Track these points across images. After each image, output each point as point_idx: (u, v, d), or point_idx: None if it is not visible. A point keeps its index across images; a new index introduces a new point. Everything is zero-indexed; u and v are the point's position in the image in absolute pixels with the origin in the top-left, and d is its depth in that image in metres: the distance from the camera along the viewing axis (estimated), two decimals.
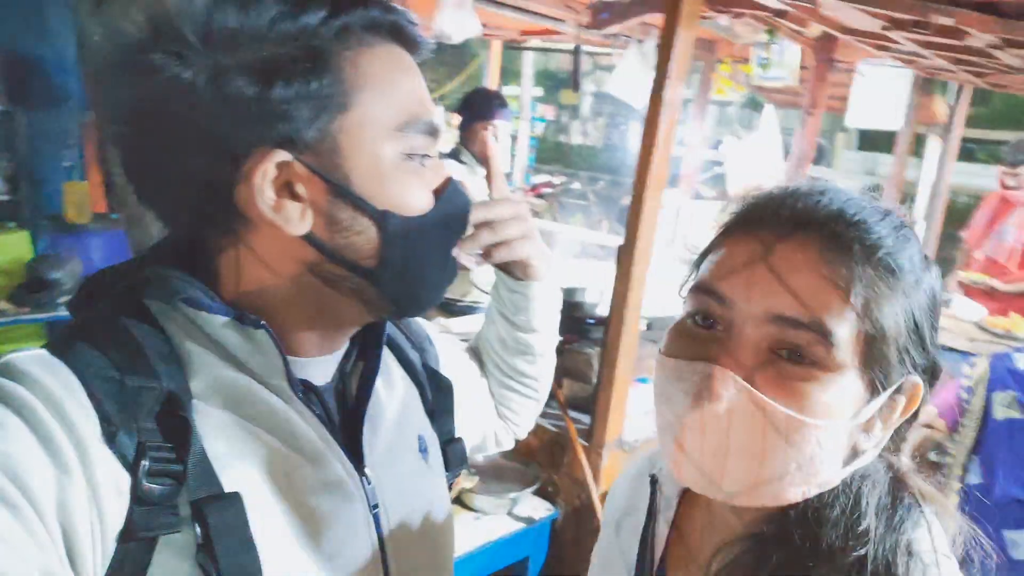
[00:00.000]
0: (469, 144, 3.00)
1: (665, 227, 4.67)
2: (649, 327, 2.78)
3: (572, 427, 2.31)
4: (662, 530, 0.76)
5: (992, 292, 3.79)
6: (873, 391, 0.60)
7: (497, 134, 2.97)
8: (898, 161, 4.43)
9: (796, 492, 0.61)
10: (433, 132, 0.69)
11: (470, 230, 0.79)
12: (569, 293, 2.67)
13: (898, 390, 0.62)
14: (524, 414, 1.05)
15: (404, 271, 0.68)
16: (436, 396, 0.87)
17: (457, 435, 0.90)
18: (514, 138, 7.00)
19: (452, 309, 2.67)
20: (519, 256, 0.86)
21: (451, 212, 0.72)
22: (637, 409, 2.49)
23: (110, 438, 0.56)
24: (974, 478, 2.28)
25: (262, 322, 0.64)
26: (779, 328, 0.58)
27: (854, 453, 0.63)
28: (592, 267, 3.35)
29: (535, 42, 4.96)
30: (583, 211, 7.51)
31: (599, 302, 2.62)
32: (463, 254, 0.84)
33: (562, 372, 2.51)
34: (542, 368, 1.01)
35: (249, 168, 0.62)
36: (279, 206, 0.63)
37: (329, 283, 0.66)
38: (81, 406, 0.56)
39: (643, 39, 3.62)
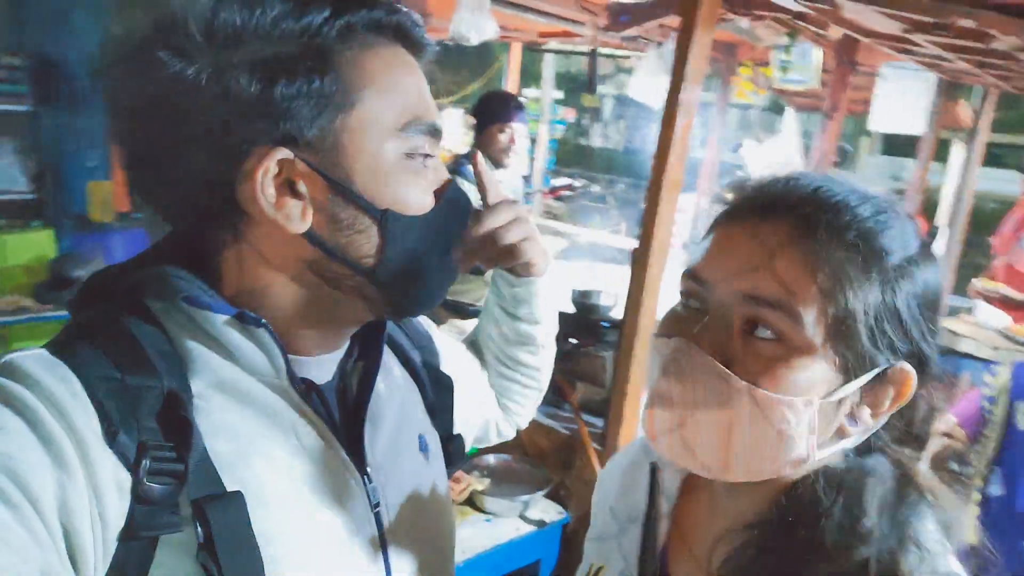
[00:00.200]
0: (486, 147, 2.99)
1: (683, 230, 4.65)
2: None
3: (585, 430, 2.30)
4: (663, 520, 0.76)
5: (1005, 300, 3.72)
6: (847, 373, 0.61)
7: (514, 136, 2.96)
8: (921, 166, 4.37)
9: (769, 467, 0.62)
10: (435, 133, 0.68)
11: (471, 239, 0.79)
12: (584, 296, 2.67)
13: (884, 377, 0.62)
14: (526, 404, 1.06)
15: (404, 271, 0.68)
16: (436, 394, 0.87)
17: (456, 432, 0.90)
18: (534, 140, 7.00)
19: (467, 312, 2.67)
20: (523, 259, 0.86)
21: (451, 213, 0.72)
22: None
23: (111, 438, 0.56)
24: (995, 489, 2.24)
25: (263, 320, 0.64)
26: (748, 306, 0.60)
27: (840, 437, 0.64)
28: (610, 270, 3.33)
29: (554, 44, 4.95)
30: (602, 214, 7.49)
31: (614, 305, 2.61)
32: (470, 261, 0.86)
33: (576, 375, 2.50)
34: (543, 358, 1.02)
35: (251, 165, 0.62)
36: (280, 203, 0.63)
37: (329, 281, 0.66)
38: (82, 406, 0.56)
39: (662, 41, 3.61)
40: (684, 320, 0.65)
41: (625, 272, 2.24)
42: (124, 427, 0.57)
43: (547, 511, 2.28)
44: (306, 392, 0.68)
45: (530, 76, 8.69)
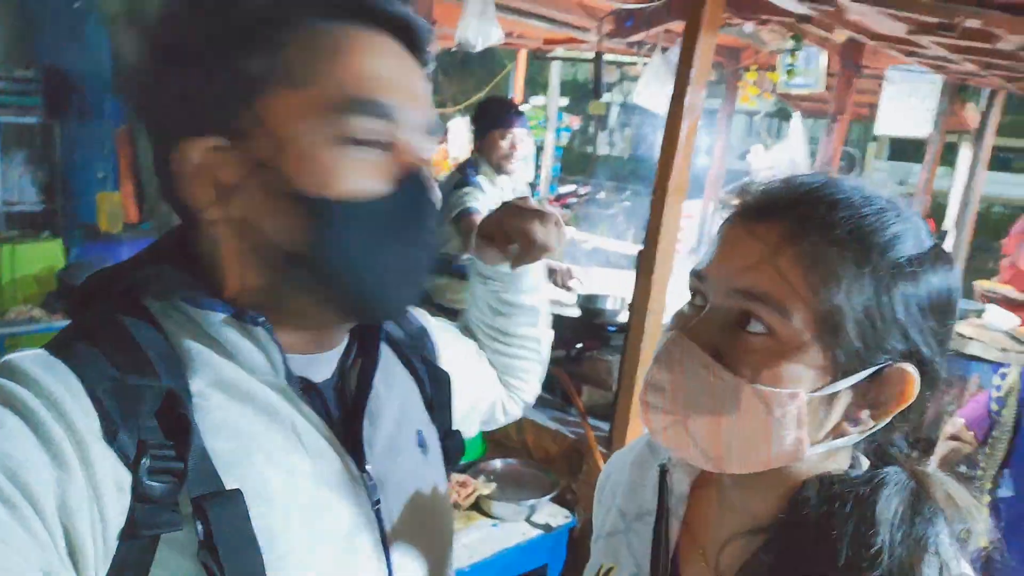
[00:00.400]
0: (486, 153, 2.98)
1: (690, 236, 4.65)
2: None
3: (591, 434, 2.30)
4: (675, 522, 0.76)
5: (1007, 301, 3.70)
6: (838, 370, 0.61)
7: (515, 142, 2.96)
8: (928, 169, 4.36)
9: (760, 458, 0.63)
10: (385, 115, 0.63)
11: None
12: (590, 301, 2.67)
13: (882, 378, 0.62)
14: (530, 379, 1.06)
15: (347, 264, 0.65)
16: (435, 390, 0.86)
17: (455, 427, 0.90)
18: (540, 148, 7.01)
19: None
20: (556, 260, 0.90)
21: (407, 204, 0.66)
22: None
23: (111, 437, 0.56)
24: (1006, 491, 2.22)
25: (261, 319, 0.64)
26: (740, 301, 0.62)
27: (838, 436, 0.64)
28: (615, 275, 3.33)
29: (560, 51, 4.97)
30: (608, 221, 7.50)
31: (620, 309, 2.61)
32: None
33: (582, 379, 2.50)
34: (543, 326, 1.03)
35: (179, 155, 0.62)
36: (207, 193, 0.63)
37: (281, 277, 0.65)
38: (81, 405, 0.56)
39: (667, 47, 3.61)
40: (687, 316, 0.67)
41: (631, 277, 2.25)
42: (124, 426, 0.57)
43: (554, 515, 2.27)
44: (305, 390, 0.68)
45: (536, 84, 8.73)
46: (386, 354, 0.81)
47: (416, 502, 0.76)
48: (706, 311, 0.65)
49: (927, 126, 3.63)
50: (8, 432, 0.53)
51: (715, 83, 4.35)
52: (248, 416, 0.64)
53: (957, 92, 3.81)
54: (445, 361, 0.91)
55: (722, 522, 0.72)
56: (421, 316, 0.93)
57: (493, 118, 2.95)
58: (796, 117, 4.60)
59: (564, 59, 6.31)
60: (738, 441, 0.62)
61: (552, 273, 2.96)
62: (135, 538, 0.56)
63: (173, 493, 0.57)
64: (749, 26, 3.06)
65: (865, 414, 0.63)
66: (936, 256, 0.62)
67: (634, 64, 4.97)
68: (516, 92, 5.48)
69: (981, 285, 3.92)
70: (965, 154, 4.75)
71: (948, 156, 5.24)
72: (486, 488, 2.18)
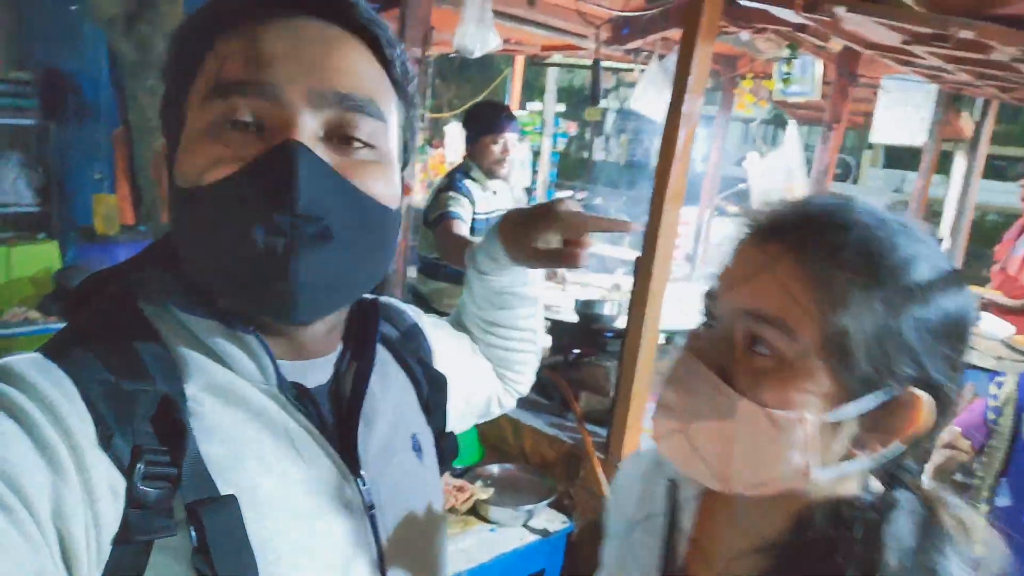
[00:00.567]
0: (478, 158, 2.97)
1: (686, 243, 4.66)
2: (668, 341, 2.77)
3: (589, 440, 2.30)
4: (682, 536, 0.76)
5: (997, 307, 3.71)
6: (846, 394, 0.60)
7: (507, 146, 2.96)
8: (923, 177, 4.38)
9: (767, 480, 0.63)
10: (249, 91, 0.60)
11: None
12: (587, 306, 2.67)
13: (893, 403, 0.61)
14: (526, 371, 1.07)
15: (202, 260, 0.63)
16: (431, 392, 0.86)
17: (449, 429, 0.90)
18: (536, 153, 7.02)
19: None
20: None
21: (252, 183, 0.59)
22: None
23: (105, 441, 0.56)
24: (1003, 501, 2.22)
25: (251, 327, 0.64)
26: (748, 322, 0.62)
27: (846, 460, 0.63)
28: (612, 280, 3.34)
29: (557, 58, 4.99)
30: None
31: (617, 315, 2.62)
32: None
33: (579, 385, 2.50)
34: (539, 316, 1.05)
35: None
36: (163, 193, 0.67)
37: (201, 278, 0.66)
38: (76, 410, 0.56)
39: (664, 54, 3.63)
40: (696, 337, 0.68)
41: (627, 282, 2.25)
42: (119, 431, 0.57)
43: (551, 520, 2.28)
44: (298, 396, 0.68)
45: (533, 89, 8.74)
46: (382, 357, 0.81)
47: (411, 507, 0.76)
48: (716, 332, 0.66)
49: (922, 135, 3.65)
50: (3, 436, 0.52)
51: (711, 90, 4.37)
52: (241, 422, 0.64)
53: (952, 102, 3.84)
54: (440, 359, 0.91)
55: (729, 539, 0.72)
56: (414, 314, 0.93)
57: (484, 123, 2.95)
58: (792, 125, 4.62)
59: (561, 65, 6.33)
60: (745, 462, 0.63)
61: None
62: (129, 543, 0.56)
63: (167, 498, 0.57)
64: (745, 34, 3.08)
65: (875, 439, 0.62)
66: (951, 280, 0.62)
67: (631, 71, 4.99)
68: (513, 98, 5.49)
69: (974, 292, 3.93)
70: (960, 163, 4.78)
71: (943, 164, 5.26)
72: (484, 493, 2.18)
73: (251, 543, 0.60)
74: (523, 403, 1.11)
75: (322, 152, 0.61)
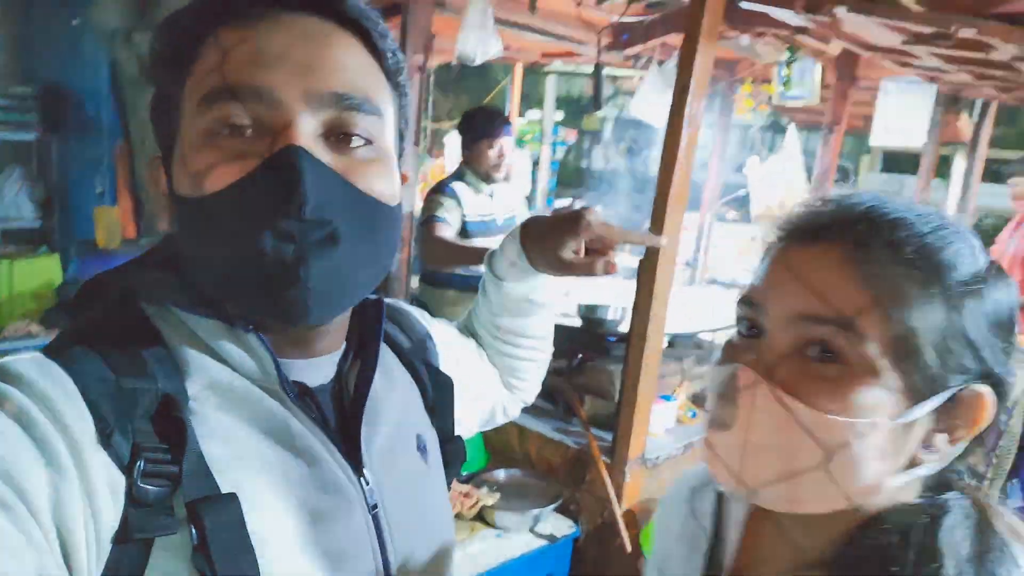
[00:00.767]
0: (474, 163, 2.98)
1: (687, 248, 4.66)
2: (671, 344, 2.77)
3: (595, 444, 2.30)
4: (730, 551, 0.74)
5: None
6: (914, 396, 0.58)
7: (503, 151, 2.97)
8: (923, 180, 4.39)
9: (838, 496, 0.59)
10: (246, 97, 0.59)
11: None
12: (590, 310, 2.67)
13: (957, 401, 0.59)
14: (532, 379, 1.06)
15: (205, 266, 0.63)
16: (436, 394, 0.86)
17: (456, 433, 0.89)
18: (536, 162, 7.04)
19: None
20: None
21: (258, 189, 0.59)
22: (660, 426, 2.47)
23: (105, 440, 0.56)
24: (1015, 502, 2.22)
25: (251, 325, 0.64)
26: (804, 327, 0.59)
27: (914, 465, 0.61)
28: (613, 285, 3.34)
29: (557, 64, 5.00)
30: None
31: (621, 319, 2.62)
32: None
33: (584, 389, 2.50)
34: (550, 324, 1.04)
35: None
36: (159, 200, 0.67)
37: (203, 282, 0.66)
38: (76, 408, 0.56)
39: (663, 60, 3.64)
40: (740, 347, 0.65)
41: (630, 286, 2.25)
42: (118, 428, 0.56)
43: (558, 525, 2.27)
44: (300, 395, 0.68)
45: (531, 99, 8.77)
46: (387, 357, 0.80)
47: (415, 507, 0.75)
48: (765, 341, 0.62)
49: (921, 136, 3.66)
50: (2, 434, 0.52)
51: (711, 96, 4.38)
52: (242, 420, 0.63)
53: (951, 103, 3.85)
54: (447, 363, 0.91)
55: (778, 555, 0.69)
56: (421, 317, 0.93)
57: (479, 128, 2.95)
58: (791, 129, 4.63)
59: (559, 73, 6.35)
60: (816, 479, 0.58)
61: None
62: (129, 541, 0.56)
63: (167, 497, 0.57)
64: (745, 39, 3.09)
65: (941, 440, 0.60)
66: (995, 272, 0.61)
67: (630, 78, 5.01)
68: (512, 107, 5.50)
69: None
70: (959, 165, 4.79)
71: (942, 169, 5.27)
72: (490, 498, 2.18)
73: (252, 542, 0.59)
74: (528, 408, 1.10)
75: (323, 153, 0.61)
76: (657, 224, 2.14)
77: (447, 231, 2.82)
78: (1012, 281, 0.62)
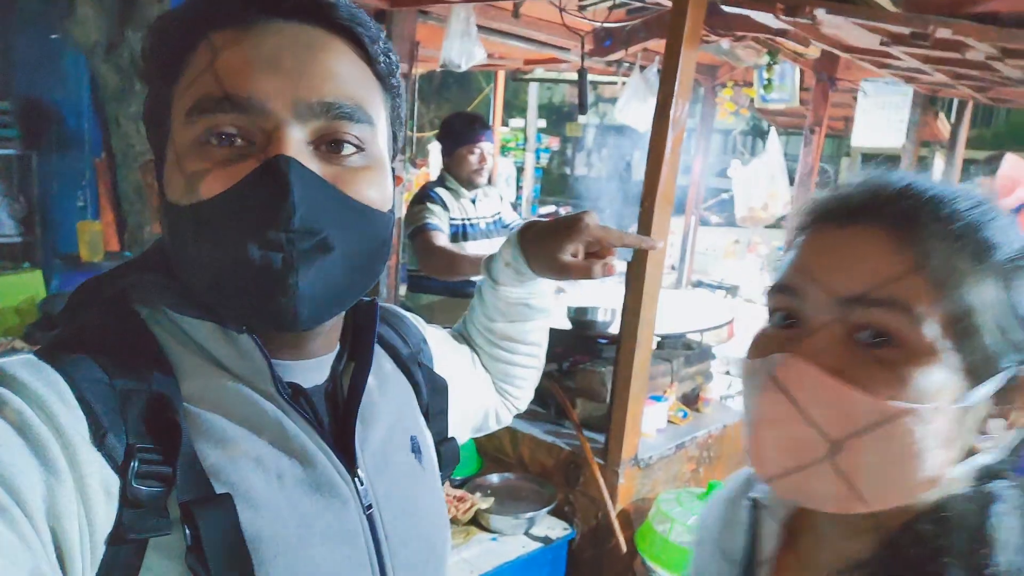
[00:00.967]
0: (455, 170, 2.98)
1: (673, 252, 4.69)
2: (660, 346, 2.78)
3: (587, 445, 2.31)
4: (766, 558, 0.70)
5: None
6: (973, 377, 0.55)
7: (484, 155, 2.97)
8: None
9: (901, 489, 0.56)
10: (235, 107, 0.59)
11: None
12: (580, 313, 2.69)
13: (1014, 383, 0.56)
14: (526, 387, 1.07)
15: (196, 273, 0.63)
16: (431, 396, 0.86)
17: (451, 435, 0.90)
18: (520, 169, 7.06)
19: None
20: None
21: (246, 199, 0.59)
22: (651, 427, 2.49)
23: (99, 441, 0.56)
24: None
25: (243, 328, 0.64)
26: (855, 311, 0.55)
27: (969, 455, 0.57)
28: (600, 288, 3.36)
29: (539, 72, 5.03)
30: None
31: (611, 321, 2.63)
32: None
33: (575, 392, 2.51)
34: (545, 331, 1.05)
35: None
36: (154, 203, 0.68)
37: (194, 287, 0.66)
38: (70, 409, 0.55)
39: (645, 65, 3.68)
40: (779, 338, 0.60)
41: (617, 290, 2.27)
42: (112, 430, 0.56)
43: (552, 527, 2.28)
44: (294, 396, 0.68)
45: (513, 107, 8.81)
46: (382, 359, 0.81)
47: (409, 507, 0.75)
48: (810, 328, 0.58)
49: (901, 136, 3.72)
50: None
51: (692, 102, 4.41)
52: (237, 421, 0.64)
53: (928, 104, 3.91)
54: (441, 366, 0.91)
55: (819, 561, 0.65)
56: (417, 321, 0.93)
57: (458, 134, 2.96)
58: (772, 132, 4.69)
59: (542, 80, 6.38)
60: (877, 473, 0.55)
61: None
62: (123, 542, 0.56)
63: (162, 497, 0.57)
64: (725, 43, 3.12)
65: (998, 425, 0.57)
66: None
67: (612, 84, 5.05)
68: (495, 114, 5.52)
69: None
70: (938, 165, 4.86)
71: (921, 168, 5.34)
72: (484, 502, 2.18)
73: (246, 542, 0.59)
74: (520, 412, 1.11)
75: (312, 163, 0.61)
76: (644, 227, 2.16)
77: (442, 239, 2.81)
78: None
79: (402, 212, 2.96)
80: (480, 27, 2.86)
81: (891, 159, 4.40)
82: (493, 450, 2.55)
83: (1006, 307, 0.55)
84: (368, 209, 0.64)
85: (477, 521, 2.20)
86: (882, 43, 2.30)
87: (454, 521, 2.14)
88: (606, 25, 3.06)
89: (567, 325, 2.67)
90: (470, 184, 2.98)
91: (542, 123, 7.41)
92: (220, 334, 0.64)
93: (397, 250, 3.04)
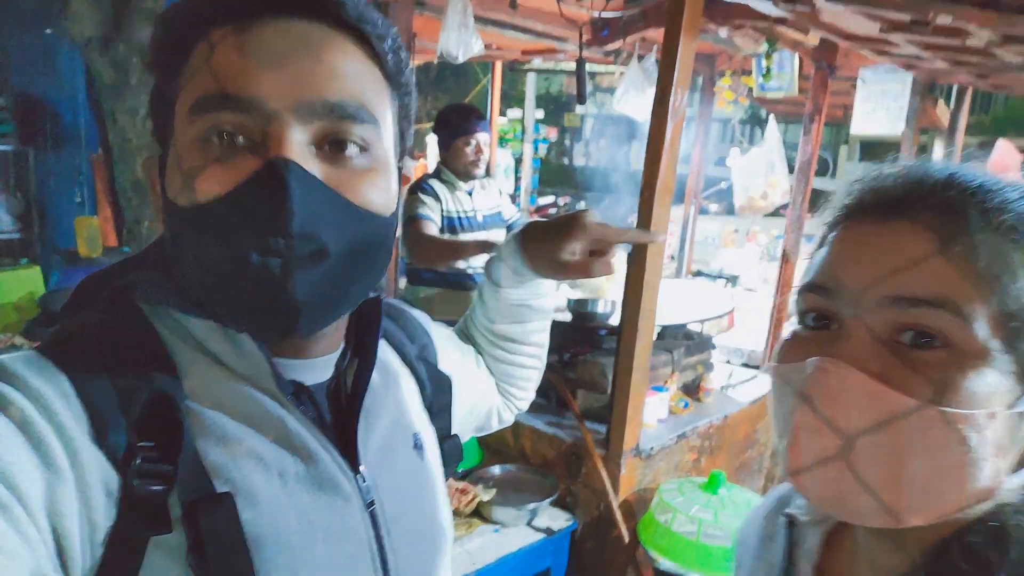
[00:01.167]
0: (452, 162, 2.97)
1: (672, 242, 4.69)
2: (660, 336, 2.78)
3: (589, 436, 2.31)
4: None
5: None
6: None
7: (480, 146, 2.96)
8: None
9: (952, 501, 0.52)
10: (237, 106, 0.58)
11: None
12: (580, 305, 2.68)
13: None
14: (528, 387, 1.07)
15: (196, 276, 0.62)
16: (434, 392, 0.86)
17: (454, 432, 0.89)
18: (518, 160, 7.05)
19: None
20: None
21: (247, 202, 0.58)
22: (653, 417, 2.49)
23: (100, 438, 0.55)
24: None
25: (244, 327, 0.63)
26: (898, 311, 0.52)
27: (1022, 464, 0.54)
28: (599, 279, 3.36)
29: (536, 63, 5.01)
30: None
31: (611, 312, 2.63)
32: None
33: (576, 383, 2.51)
34: (546, 332, 1.05)
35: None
36: (156, 199, 0.67)
37: (190, 287, 0.65)
38: (71, 406, 0.55)
39: (644, 55, 3.66)
40: (814, 341, 0.57)
41: (617, 281, 2.27)
42: (114, 428, 0.56)
43: (555, 518, 2.28)
44: (296, 393, 0.67)
45: (511, 97, 8.78)
46: (386, 355, 0.80)
47: (412, 504, 0.75)
48: (849, 330, 0.54)
49: (900, 124, 3.70)
50: None
51: (691, 91, 4.40)
52: (238, 419, 0.63)
53: (928, 91, 3.89)
54: (445, 364, 0.91)
55: (861, 573, 0.62)
56: (422, 319, 0.93)
57: (454, 126, 2.94)
58: (771, 120, 4.67)
59: (539, 71, 6.36)
60: (925, 484, 0.51)
61: None
62: (124, 540, 0.55)
63: (162, 496, 0.57)
64: (724, 31, 3.11)
65: None
66: None
67: (609, 74, 5.04)
68: (493, 105, 5.50)
69: None
70: (939, 151, 4.85)
71: (921, 155, 5.33)
72: (486, 494, 2.19)
73: (247, 541, 0.59)
74: (522, 412, 1.11)
75: (314, 166, 0.59)
76: (644, 217, 2.15)
77: (432, 228, 2.82)
78: None
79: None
80: (477, 18, 2.84)
81: (891, 146, 4.39)
82: (495, 442, 2.56)
83: None
84: (369, 214, 0.63)
85: (479, 513, 2.20)
86: (881, 30, 2.29)
87: (457, 513, 2.14)
88: (604, 15, 3.05)
89: (568, 317, 2.67)
90: (467, 176, 2.97)
91: (540, 113, 7.39)
92: (221, 332, 0.64)
93: (396, 245, 3.03)
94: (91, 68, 4.69)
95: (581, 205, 8.59)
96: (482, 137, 2.96)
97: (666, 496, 2.22)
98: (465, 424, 0.97)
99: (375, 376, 0.74)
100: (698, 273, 4.89)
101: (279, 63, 0.58)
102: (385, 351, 0.80)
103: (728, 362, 3.39)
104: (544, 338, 1.05)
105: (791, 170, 3.95)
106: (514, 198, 6.64)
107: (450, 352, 0.95)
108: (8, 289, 4.35)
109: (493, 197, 3.17)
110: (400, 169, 0.71)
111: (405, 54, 0.68)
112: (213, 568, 0.56)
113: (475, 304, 1.03)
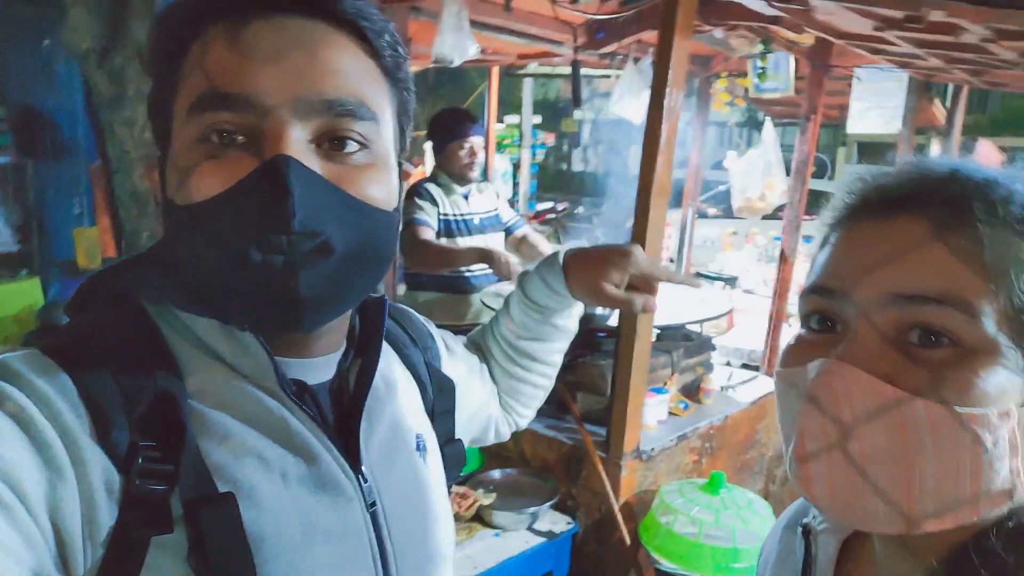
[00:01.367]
0: (447, 166, 2.99)
1: (671, 245, 4.69)
2: (660, 337, 2.78)
3: (589, 439, 2.30)
4: None
5: None
6: None
7: (475, 149, 2.97)
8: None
9: (966, 505, 0.50)
10: (235, 105, 0.58)
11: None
12: None
13: None
14: (532, 404, 1.07)
15: (196, 273, 0.63)
16: (437, 396, 0.85)
17: (457, 435, 0.89)
18: (516, 165, 7.06)
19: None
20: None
21: (246, 200, 0.58)
22: (652, 419, 2.48)
23: (102, 438, 0.56)
24: None
25: (247, 326, 0.64)
26: (904, 309, 0.51)
27: None
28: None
29: (533, 67, 5.01)
30: (587, 233, 7.56)
31: (610, 315, 2.63)
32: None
33: (576, 386, 2.51)
34: (562, 353, 1.05)
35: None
36: (156, 201, 0.67)
37: (192, 286, 0.66)
38: (73, 405, 0.55)
39: (639, 57, 3.66)
40: (817, 343, 0.56)
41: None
42: (116, 427, 0.56)
43: (556, 522, 2.27)
44: (298, 393, 0.67)
45: (508, 103, 8.79)
46: (389, 357, 0.80)
47: (413, 505, 0.75)
48: (853, 330, 0.53)
49: (896, 123, 3.70)
50: (0, 433, 0.52)
51: (687, 94, 4.41)
52: (240, 419, 0.63)
53: (924, 90, 3.89)
54: (449, 369, 0.91)
55: None
56: (427, 324, 0.93)
57: (448, 130, 2.97)
58: (768, 122, 4.68)
59: (536, 76, 6.36)
60: (940, 487, 0.50)
61: None
62: (125, 540, 0.55)
63: (164, 496, 0.57)
64: (719, 32, 3.11)
65: None
66: None
67: (605, 78, 5.04)
68: (490, 111, 5.51)
69: None
70: (936, 150, 4.85)
71: (919, 154, 5.33)
72: (487, 499, 2.18)
73: (249, 541, 0.59)
74: (520, 430, 1.11)
75: (314, 162, 0.59)
76: (641, 217, 2.15)
77: (428, 233, 2.83)
78: None
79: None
80: (472, 22, 2.84)
81: (889, 148, 4.39)
82: (495, 446, 2.54)
83: None
84: (371, 208, 0.63)
85: (480, 517, 2.20)
86: (876, 28, 2.29)
87: (457, 518, 2.13)
88: (598, 17, 3.05)
89: None
90: (462, 179, 2.98)
91: (537, 119, 7.40)
92: (224, 331, 0.64)
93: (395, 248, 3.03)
94: (88, 80, 4.69)
95: (580, 210, 8.60)
96: (476, 140, 2.98)
97: (667, 498, 2.22)
98: (465, 431, 0.97)
99: (377, 377, 0.74)
100: (696, 275, 4.89)
101: (275, 60, 0.59)
102: (388, 353, 0.80)
103: (728, 363, 3.38)
104: (559, 359, 1.05)
105: (788, 171, 3.95)
106: (513, 204, 6.64)
107: (454, 357, 0.95)
108: (7, 301, 4.35)
109: (490, 200, 3.17)
110: (400, 165, 0.71)
111: (403, 49, 0.68)
112: (214, 568, 0.56)
113: (499, 315, 1.03)
